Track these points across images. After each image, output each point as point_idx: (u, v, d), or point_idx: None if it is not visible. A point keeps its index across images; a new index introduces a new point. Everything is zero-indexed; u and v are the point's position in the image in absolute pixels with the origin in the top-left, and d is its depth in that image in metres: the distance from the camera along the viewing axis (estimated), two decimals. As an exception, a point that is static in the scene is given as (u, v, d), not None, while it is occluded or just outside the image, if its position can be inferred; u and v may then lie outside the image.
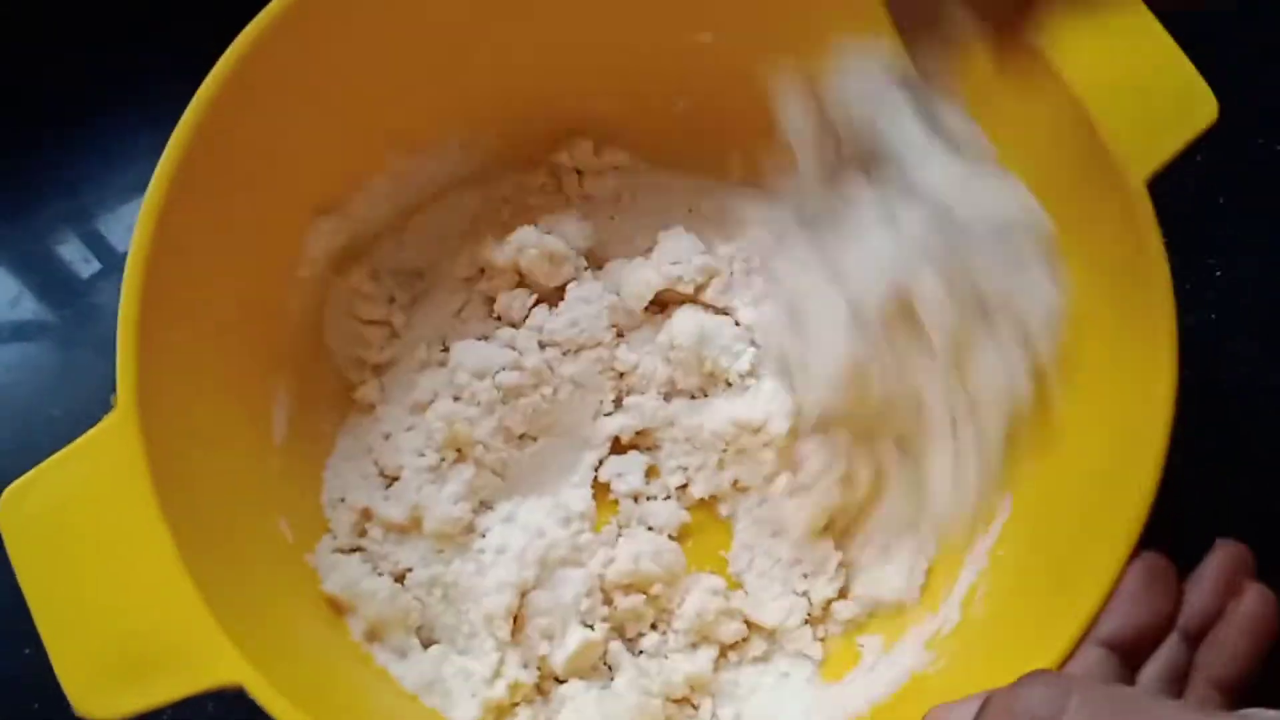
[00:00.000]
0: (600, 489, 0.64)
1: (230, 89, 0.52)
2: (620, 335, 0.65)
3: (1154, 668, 0.45)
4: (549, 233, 0.64)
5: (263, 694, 0.45)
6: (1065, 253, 0.50)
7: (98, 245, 0.74)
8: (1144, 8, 0.52)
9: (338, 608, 0.57)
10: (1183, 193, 0.67)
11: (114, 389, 0.48)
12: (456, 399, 0.61)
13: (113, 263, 0.74)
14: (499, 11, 0.59)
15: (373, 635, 0.57)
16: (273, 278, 0.60)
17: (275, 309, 0.60)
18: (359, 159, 0.62)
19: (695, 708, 0.58)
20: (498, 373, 0.61)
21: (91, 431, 0.48)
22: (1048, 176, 0.54)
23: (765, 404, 0.61)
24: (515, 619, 0.58)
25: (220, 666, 0.46)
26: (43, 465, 0.47)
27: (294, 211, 0.60)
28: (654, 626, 0.61)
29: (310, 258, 0.61)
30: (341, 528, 0.60)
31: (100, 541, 0.47)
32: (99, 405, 0.68)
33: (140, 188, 0.66)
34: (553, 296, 0.64)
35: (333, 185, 0.61)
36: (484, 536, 0.61)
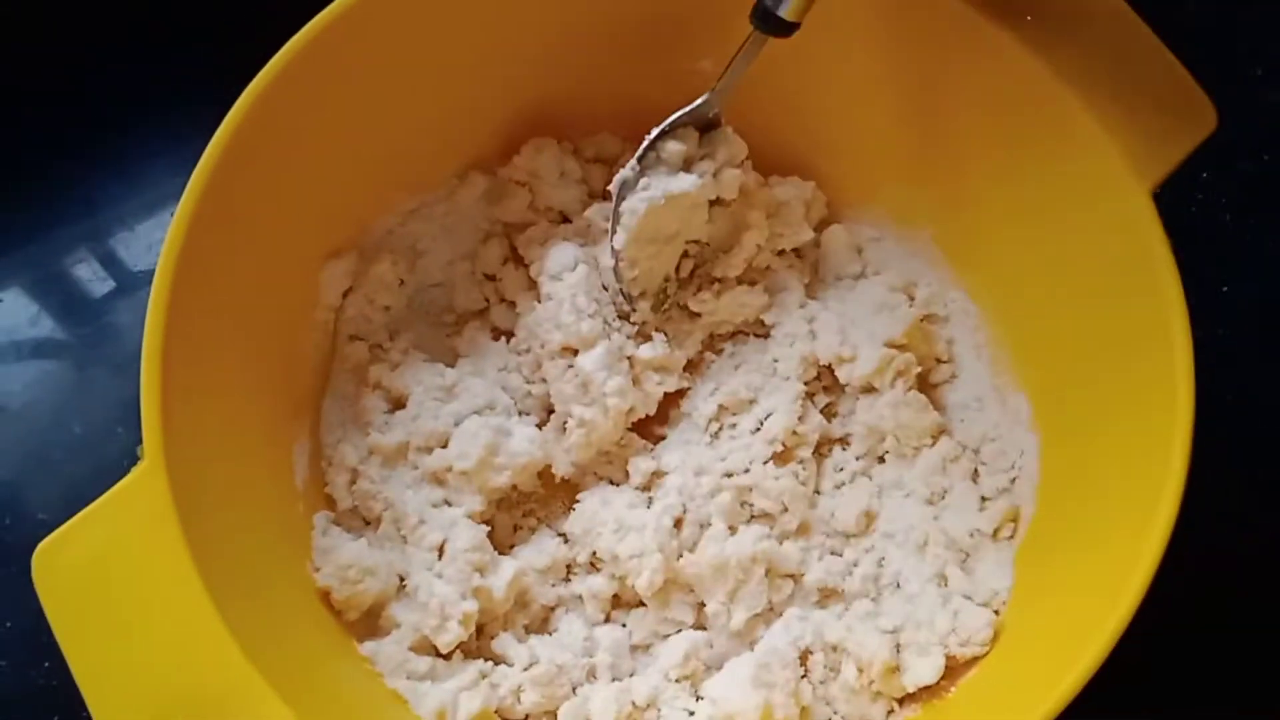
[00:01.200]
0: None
1: (244, 134, 0.53)
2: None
3: None
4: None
5: (301, 733, 0.46)
6: (1073, 267, 0.50)
7: (114, 265, 0.75)
8: (1141, 22, 0.53)
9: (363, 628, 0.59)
10: (1187, 210, 0.68)
11: (139, 439, 0.49)
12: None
13: (128, 282, 0.75)
14: (502, 54, 0.61)
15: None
16: (290, 321, 0.61)
17: (293, 352, 0.61)
18: (369, 198, 0.63)
19: None
20: None
21: (119, 485, 0.49)
22: (1054, 191, 0.55)
23: None
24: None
25: (260, 709, 0.47)
26: (73, 521, 0.48)
27: (308, 253, 0.61)
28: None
29: (325, 302, 0.63)
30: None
31: (135, 596, 0.48)
32: (116, 422, 0.70)
33: (158, 206, 0.66)
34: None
35: (344, 226, 0.63)
36: None
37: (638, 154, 0.61)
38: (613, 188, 0.62)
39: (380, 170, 0.62)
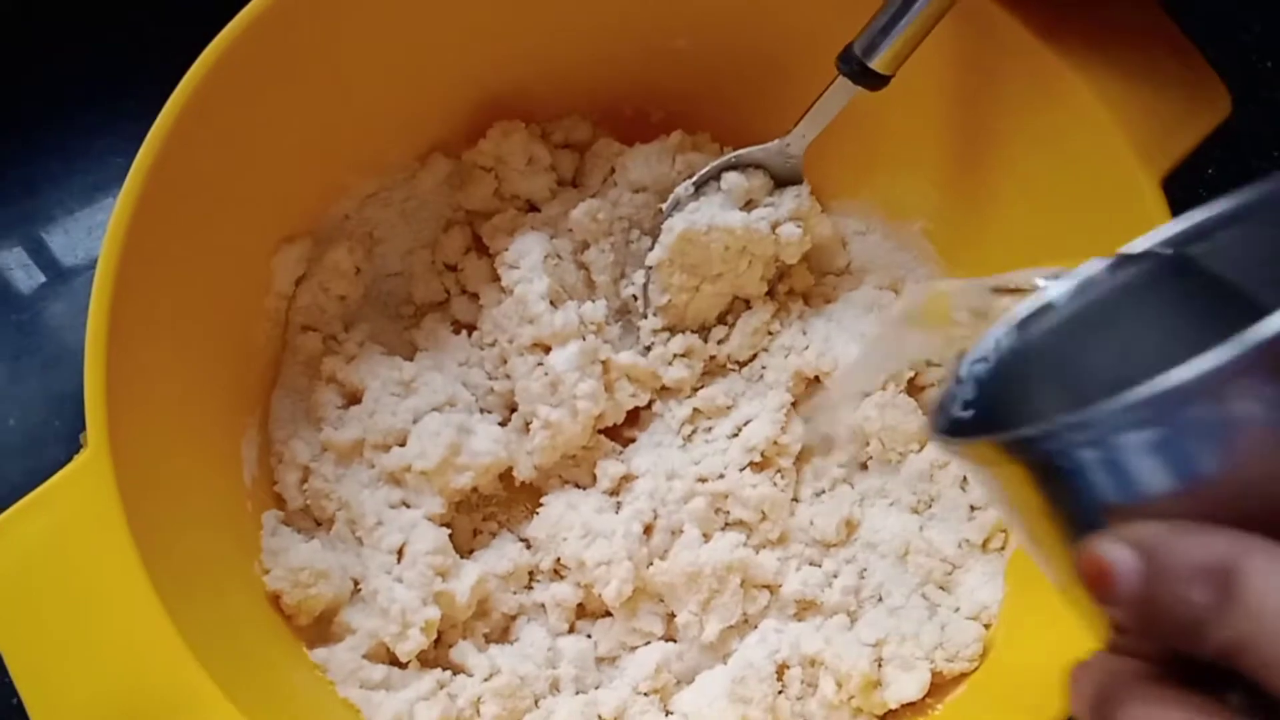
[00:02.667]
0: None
1: (190, 114, 0.50)
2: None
3: None
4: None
5: (250, 740, 0.43)
6: (1074, 262, 0.49)
7: (50, 252, 0.72)
8: (1155, 5, 0.51)
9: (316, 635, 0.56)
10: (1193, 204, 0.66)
11: (78, 428, 0.46)
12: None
13: (64, 270, 0.71)
14: (466, 31, 0.58)
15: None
16: (241, 308, 0.58)
17: (243, 342, 0.58)
18: (325, 181, 0.60)
19: None
20: None
21: (61, 473, 0.45)
22: (1056, 178, 0.53)
23: None
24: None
25: (207, 712, 0.44)
26: (11, 510, 0.45)
27: (260, 238, 0.58)
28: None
29: (277, 289, 0.60)
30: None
31: (77, 592, 0.45)
32: (53, 414, 0.66)
33: (98, 190, 0.63)
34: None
35: (299, 211, 0.60)
36: None
37: (698, 176, 0.59)
38: (665, 206, 0.60)
39: (336, 151, 0.59)
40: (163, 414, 0.50)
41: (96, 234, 0.71)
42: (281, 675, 0.52)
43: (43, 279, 0.71)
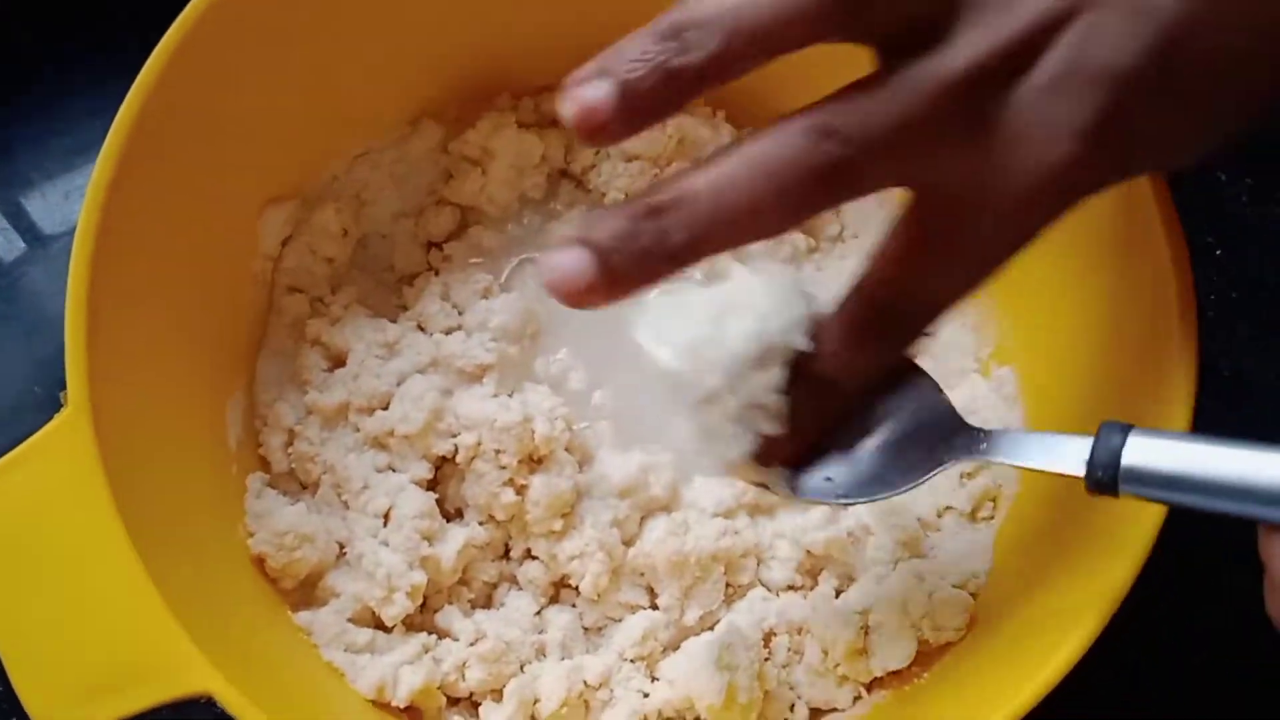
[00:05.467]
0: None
1: (175, 65, 0.49)
2: None
3: None
4: None
5: (234, 702, 0.43)
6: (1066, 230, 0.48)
7: (26, 217, 0.71)
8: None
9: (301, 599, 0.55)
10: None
11: (63, 385, 0.45)
12: None
13: (42, 234, 0.71)
14: None
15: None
16: (227, 270, 0.57)
17: (229, 304, 0.57)
18: (313, 141, 0.59)
19: None
20: None
21: (41, 432, 0.45)
22: None
23: None
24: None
25: (190, 676, 0.43)
26: (-8, 467, 0.44)
27: (245, 198, 0.57)
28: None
29: (263, 251, 0.59)
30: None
31: (55, 550, 0.44)
32: (32, 381, 0.66)
33: (79, 152, 0.62)
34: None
35: (286, 171, 0.59)
36: None
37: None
38: None
39: (326, 111, 0.58)
40: (145, 375, 0.50)
41: (74, 198, 0.70)
42: (264, 639, 0.51)
43: (20, 244, 0.70)
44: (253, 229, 0.58)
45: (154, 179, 0.49)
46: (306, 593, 0.55)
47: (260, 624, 0.52)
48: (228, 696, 0.43)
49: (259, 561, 0.54)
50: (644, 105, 0.36)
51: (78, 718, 0.43)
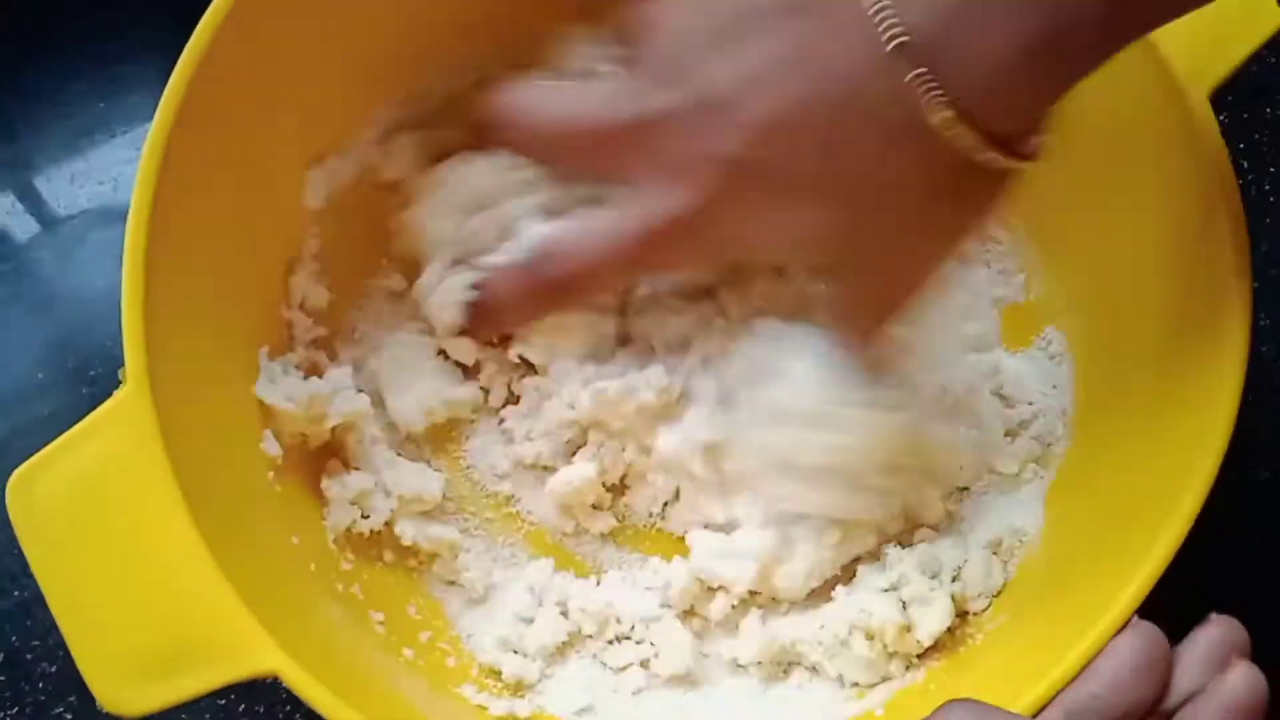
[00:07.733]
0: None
1: (222, 35, 0.48)
2: None
3: None
4: None
5: (299, 682, 0.43)
6: (1128, 184, 0.48)
7: (34, 199, 0.70)
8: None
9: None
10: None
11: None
12: None
13: (49, 216, 0.69)
14: None
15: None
16: (274, 234, 0.56)
17: (275, 269, 0.57)
18: (352, 102, 0.58)
19: None
20: None
21: (101, 408, 0.44)
22: (1100, 96, 0.49)
23: None
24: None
25: (256, 655, 0.43)
26: (52, 446, 0.44)
27: (291, 160, 0.56)
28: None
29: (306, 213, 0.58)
30: None
31: (118, 527, 0.43)
32: (37, 366, 0.64)
33: (83, 135, 0.62)
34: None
35: (325, 134, 0.57)
36: None
37: None
38: None
39: (366, 67, 0.57)
40: (199, 345, 0.49)
41: (80, 181, 0.69)
42: (321, 613, 0.51)
43: (27, 227, 0.69)
44: (296, 193, 0.57)
45: (202, 150, 0.48)
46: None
47: (316, 598, 0.51)
48: (293, 675, 0.43)
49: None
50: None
51: (142, 698, 0.42)
